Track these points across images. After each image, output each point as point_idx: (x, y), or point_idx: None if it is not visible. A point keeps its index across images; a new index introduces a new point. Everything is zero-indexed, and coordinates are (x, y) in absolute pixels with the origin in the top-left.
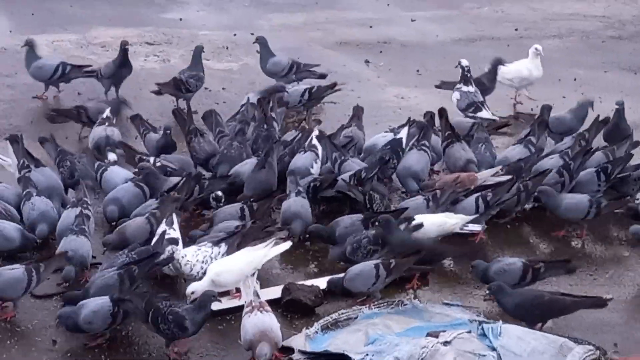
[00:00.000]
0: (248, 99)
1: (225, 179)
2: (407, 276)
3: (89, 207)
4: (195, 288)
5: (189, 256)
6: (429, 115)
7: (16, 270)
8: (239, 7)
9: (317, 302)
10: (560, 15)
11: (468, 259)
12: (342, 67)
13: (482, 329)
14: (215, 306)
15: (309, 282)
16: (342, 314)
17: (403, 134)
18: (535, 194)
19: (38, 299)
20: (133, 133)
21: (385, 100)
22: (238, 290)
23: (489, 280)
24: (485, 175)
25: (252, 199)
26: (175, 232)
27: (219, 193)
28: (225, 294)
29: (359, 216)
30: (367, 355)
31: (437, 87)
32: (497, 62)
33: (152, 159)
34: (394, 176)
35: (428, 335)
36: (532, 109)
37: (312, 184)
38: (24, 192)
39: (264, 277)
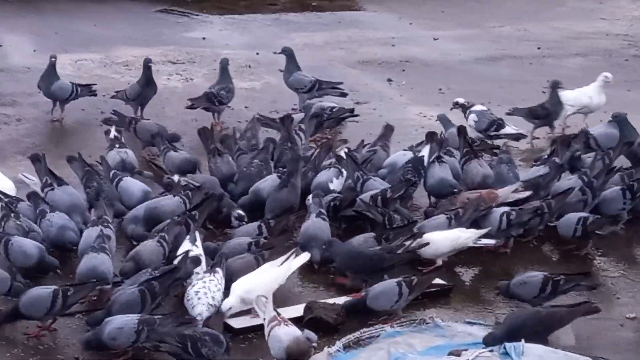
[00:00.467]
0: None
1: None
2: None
3: (110, 226)
4: (231, 304)
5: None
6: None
7: (44, 291)
8: (261, 26)
9: (339, 320)
10: (582, 34)
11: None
12: (364, 85)
13: (505, 347)
14: (237, 324)
15: (330, 301)
16: (364, 332)
17: (425, 151)
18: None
19: (61, 316)
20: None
21: (407, 118)
22: None
23: (511, 295)
24: (506, 193)
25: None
26: (198, 249)
27: (241, 212)
28: (247, 312)
29: (372, 234)
30: None
31: (508, 114)
32: (556, 85)
33: (176, 177)
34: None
35: (450, 354)
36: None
37: (332, 203)
38: (38, 210)
39: (286, 296)
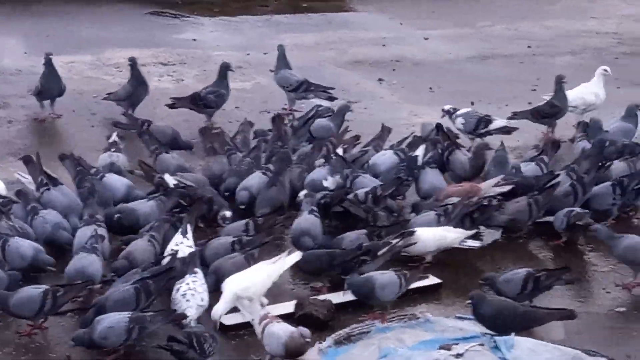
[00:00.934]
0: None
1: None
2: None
3: (103, 225)
4: (220, 313)
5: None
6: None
7: (34, 291)
8: (252, 27)
9: (330, 316)
10: (572, 32)
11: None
12: (355, 85)
13: (495, 341)
14: (229, 321)
15: (321, 297)
16: (355, 328)
17: (419, 151)
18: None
19: (53, 315)
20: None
21: (399, 118)
22: None
23: (497, 291)
24: (488, 186)
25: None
26: (189, 241)
27: (228, 213)
28: (238, 309)
29: (363, 231)
30: None
31: (510, 118)
32: (560, 80)
33: (167, 177)
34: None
35: (440, 348)
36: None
37: (322, 201)
38: (29, 208)
39: (276, 293)
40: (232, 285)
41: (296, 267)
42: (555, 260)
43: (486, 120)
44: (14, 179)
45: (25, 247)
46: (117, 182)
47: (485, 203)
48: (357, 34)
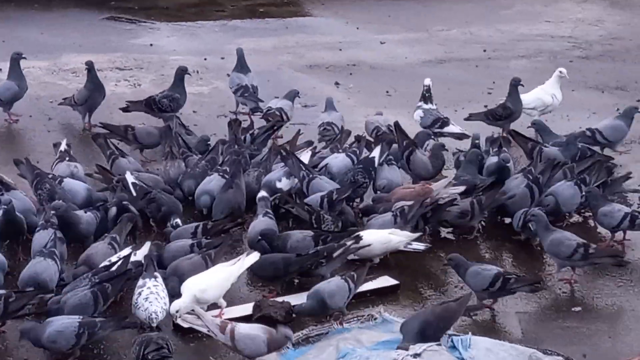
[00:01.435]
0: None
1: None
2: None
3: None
4: (179, 306)
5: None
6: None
7: None
8: (209, 32)
9: (288, 318)
10: (527, 36)
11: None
12: (312, 89)
13: (452, 341)
14: (187, 324)
15: (279, 299)
16: (313, 329)
17: (375, 152)
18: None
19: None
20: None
21: (355, 121)
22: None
23: (462, 277)
24: (439, 186)
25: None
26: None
27: (178, 221)
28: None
29: (310, 233)
30: None
31: (466, 119)
32: (517, 83)
33: (127, 175)
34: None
35: (398, 348)
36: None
37: (272, 202)
38: None
39: (235, 296)
40: (190, 287)
41: (252, 272)
42: (514, 261)
43: (443, 121)
44: None
45: None
46: (76, 186)
47: (441, 203)
48: (314, 38)
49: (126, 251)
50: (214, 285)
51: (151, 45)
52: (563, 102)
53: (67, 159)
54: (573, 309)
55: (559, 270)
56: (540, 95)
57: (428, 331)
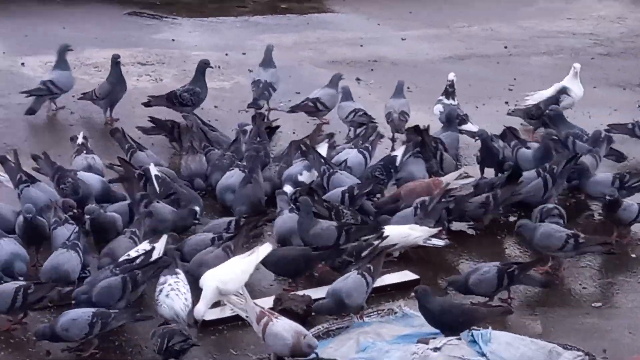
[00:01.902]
0: None
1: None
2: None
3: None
4: (202, 311)
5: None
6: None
7: (7, 286)
8: (230, 28)
9: (309, 311)
10: (549, 33)
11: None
12: None
13: (472, 335)
14: (208, 316)
15: (300, 292)
16: (334, 323)
17: (399, 152)
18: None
19: (32, 311)
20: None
21: (377, 116)
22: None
23: (469, 292)
24: (450, 179)
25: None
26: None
27: (197, 208)
28: (216, 304)
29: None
30: None
31: (509, 114)
32: (563, 91)
33: (152, 167)
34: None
35: (418, 342)
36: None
37: (292, 197)
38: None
39: (256, 289)
40: (211, 280)
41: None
42: (532, 256)
43: (462, 119)
44: None
45: None
46: (91, 179)
47: (462, 195)
48: (335, 34)
49: (145, 245)
50: (234, 277)
51: (173, 40)
52: (584, 99)
53: (84, 152)
54: (593, 305)
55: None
56: (550, 91)
57: (446, 318)
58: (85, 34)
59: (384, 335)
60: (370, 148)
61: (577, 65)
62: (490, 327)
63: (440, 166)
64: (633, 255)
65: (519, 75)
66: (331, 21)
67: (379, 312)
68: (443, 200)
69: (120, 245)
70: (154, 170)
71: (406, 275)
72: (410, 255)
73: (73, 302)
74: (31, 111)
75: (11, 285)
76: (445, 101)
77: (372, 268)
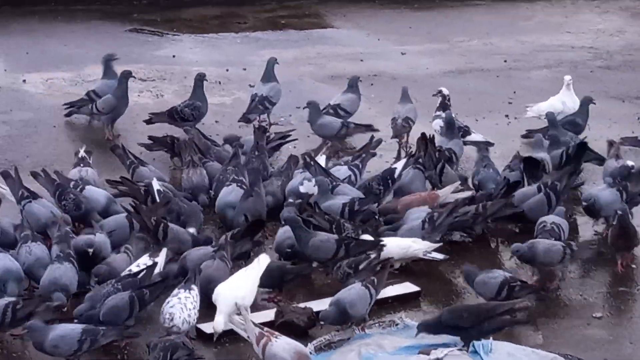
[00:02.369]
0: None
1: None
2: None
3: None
4: (220, 324)
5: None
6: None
7: None
8: (231, 44)
9: (310, 323)
10: (548, 47)
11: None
12: None
13: (474, 346)
14: (208, 329)
15: (302, 305)
16: (335, 335)
17: (399, 164)
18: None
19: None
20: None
21: (377, 132)
22: None
23: (472, 286)
24: (446, 192)
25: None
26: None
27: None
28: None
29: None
30: None
31: (525, 136)
32: (589, 101)
33: (154, 182)
34: None
35: (420, 353)
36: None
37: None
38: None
39: (256, 301)
40: (228, 296)
41: None
42: (530, 270)
43: (465, 131)
44: None
45: None
46: (96, 194)
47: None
48: (336, 49)
49: (146, 259)
50: (249, 291)
51: (174, 56)
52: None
53: (81, 165)
54: (594, 315)
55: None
56: (552, 102)
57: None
58: (86, 51)
59: (386, 347)
60: (360, 166)
61: (567, 77)
62: (491, 338)
63: (439, 178)
64: (633, 266)
65: (518, 89)
66: (331, 36)
67: (381, 323)
68: (450, 215)
69: (118, 260)
70: (156, 185)
71: (407, 287)
72: (411, 267)
73: (75, 320)
74: (69, 114)
75: (0, 302)
76: (444, 115)
77: (376, 280)
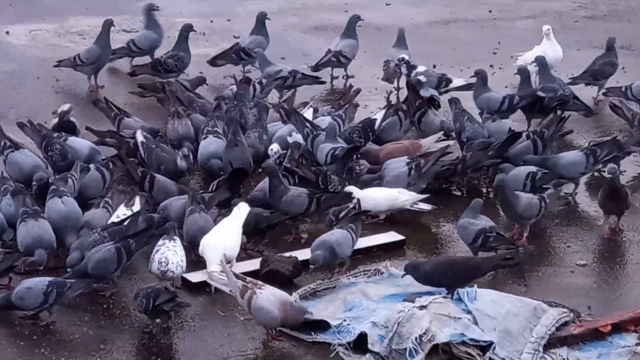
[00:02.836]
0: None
1: None
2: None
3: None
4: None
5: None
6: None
7: None
8: None
9: (296, 272)
10: None
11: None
12: (318, 50)
13: (458, 293)
14: (194, 278)
15: (287, 254)
16: (321, 284)
17: (378, 115)
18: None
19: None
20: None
21: (362, 81)
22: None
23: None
24: (429, 142)
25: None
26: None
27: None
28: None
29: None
30: (344, 320)
31: (572, 83)
32: (613, 41)
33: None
34: None
35: (404, 300)
36: None
37: (277, 160)
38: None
39: (241, 251)
40: (216, 248)
41: None
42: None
43: (447, 79)
44: None
45: None
46: (80, 144)
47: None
48: (320, 0)
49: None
50: (235, 240)
51: (157, 7)
52: (568, 62)
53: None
54: (577, 263)
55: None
56: (534, 52)
57: (434, 277)
58: (69, 2)
59: (371, 295)
60: (343, 116)
61: (545, 27)
62: (475, 285)
63: (419, 127)
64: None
65: (503, 38)
66: None
67: (366, 272)
68: (437, 164)
69: (95, 217)
70: (140, 137)
71: (392, 236)
72: (395, 217)
73: (68, 269)
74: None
75: None
76: (421, 69)
77: (354, 227)
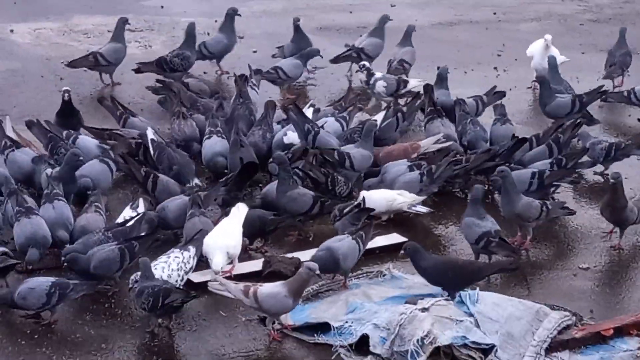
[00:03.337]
0: None
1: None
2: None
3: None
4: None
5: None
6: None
7: None
8: None
9: None
10: None
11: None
12: (322, 51)
13: (460, 296)
14: (197, 279)
15: (289, 255)
16: (323, 285)
17: (378, 117)
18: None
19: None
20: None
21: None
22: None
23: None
24: (428, 143)
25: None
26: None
27: (197, 182)
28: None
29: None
30: (346, 322)
31: (603, 100)
32: (624, 32)
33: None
34: None
35: (407, 302)
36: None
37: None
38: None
39: (242, 251)
40: (220, 247)
41: None
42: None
43: (404, 81)
44: None
45: None
46: (89, 144)
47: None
48: (325, 0)
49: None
50: (237, 239)
51: (162, 7)
52: (573, 64)
53: None
54: (580, 266)
55: (530, 233)
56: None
57: (434, 275)
58: (73, 0)
59: (373, 297)
60: (347, 118)
61: (548, 37)
62: (477, 288)
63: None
64: None
65: (507, 41)
66: None
67: (368, 274)
68: (449, 168)
69: (90, 220)
70: (150, 134)
71: (394, 238)
72: (398, 219)
73: (63, 258)
74: None
75: None
76: (379, 75)
77: (363, 235)
